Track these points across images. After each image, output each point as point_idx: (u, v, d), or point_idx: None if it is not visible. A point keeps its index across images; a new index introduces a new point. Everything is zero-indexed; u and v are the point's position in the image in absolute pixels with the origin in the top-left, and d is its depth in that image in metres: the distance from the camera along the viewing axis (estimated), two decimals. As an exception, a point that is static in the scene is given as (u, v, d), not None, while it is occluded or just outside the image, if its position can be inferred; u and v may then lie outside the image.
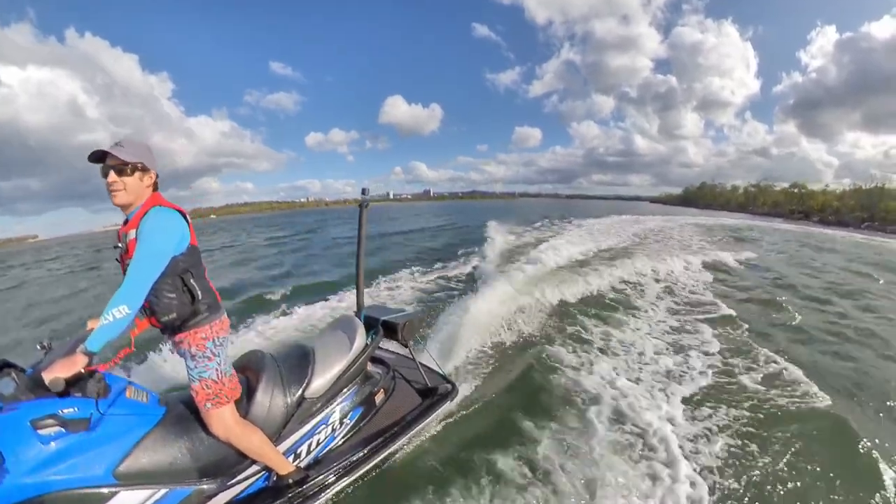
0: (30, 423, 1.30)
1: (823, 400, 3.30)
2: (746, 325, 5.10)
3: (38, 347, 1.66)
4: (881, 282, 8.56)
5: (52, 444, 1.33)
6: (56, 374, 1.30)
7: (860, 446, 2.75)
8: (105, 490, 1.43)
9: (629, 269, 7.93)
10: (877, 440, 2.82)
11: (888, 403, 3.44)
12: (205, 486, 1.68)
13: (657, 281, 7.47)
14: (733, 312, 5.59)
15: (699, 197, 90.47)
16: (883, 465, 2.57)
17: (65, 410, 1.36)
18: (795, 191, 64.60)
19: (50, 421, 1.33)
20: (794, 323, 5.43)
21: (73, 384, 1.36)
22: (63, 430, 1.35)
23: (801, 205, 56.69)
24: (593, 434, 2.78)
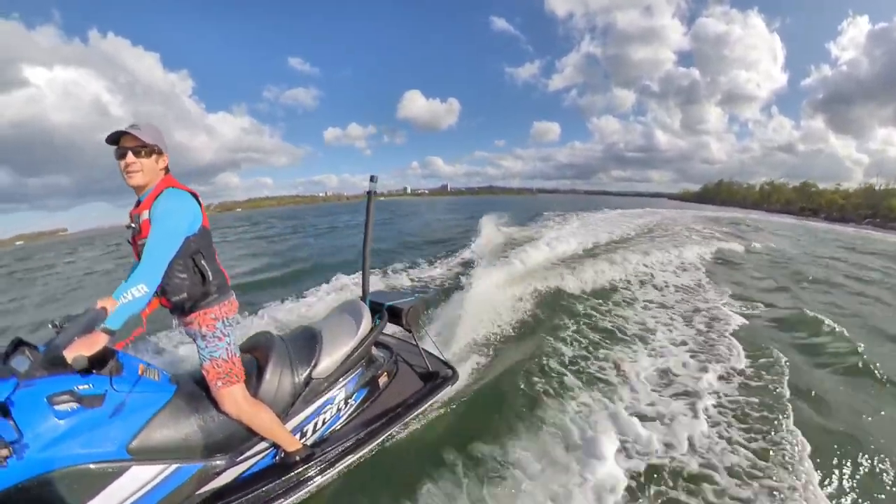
0: (46, 398, 1.33)
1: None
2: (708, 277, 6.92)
3: (50, 326, 1.63)
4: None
5: (69, 419, 1.36)
6: (79, 350, 1.32)
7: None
8: (118, 464, 1.48)
9: (634, 259, 7.77)
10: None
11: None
12: (214, 462, 1.73)
13: (657, 270, 7.40)
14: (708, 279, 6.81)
15: (716, 194, 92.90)
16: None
17: (80, 387, 1.39)
18: (813, 189, 67.26)
19: (66, 397, 1.36)
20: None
21: (90, 363, 1.39)
22: (79, 405, 1.38)
23: (810, 202, 59.78)
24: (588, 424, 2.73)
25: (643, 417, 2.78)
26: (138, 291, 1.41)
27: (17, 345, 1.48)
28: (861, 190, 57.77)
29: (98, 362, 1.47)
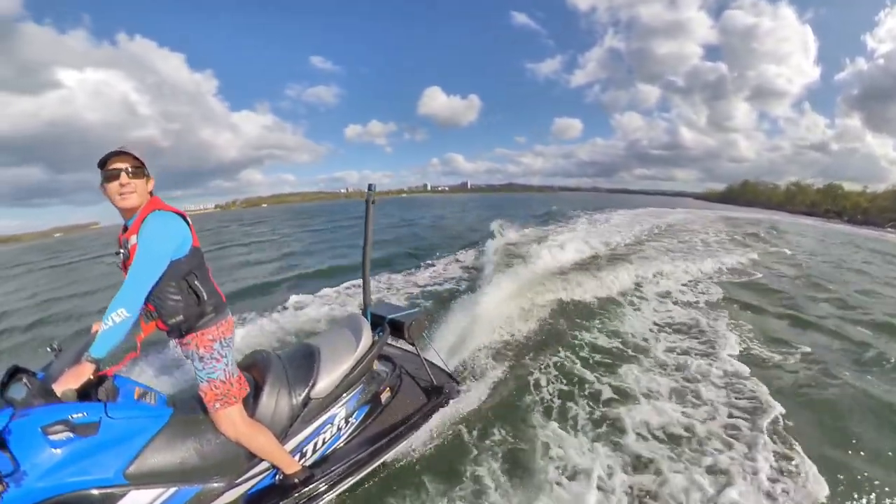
0: (41, 429, 1.34)
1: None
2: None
3: (49, 349, 1.68)
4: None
5: (63, 448, 1.37)
6: (67, 385, 1.34)
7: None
8: (116, 490, 1.48)
9: (649, 266, 7.43)
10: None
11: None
12: (213, 485, 1.72)
13: (670, 279, 7.00)
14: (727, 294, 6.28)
15: (741, 194, 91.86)
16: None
17: (74, 416, 1.39)
18: (839, 191, 67.26)
19: (60, 427, 1.36)
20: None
21: (83, 390, 1.41)
22: (73, 435, 1.39)
23: (834, 204, 60.07)
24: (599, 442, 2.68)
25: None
26: (118, 317, 1.40)
27: (14, 372, 1.49)
28: (889, 192, 57.80)
29: (94, 387, 1.49)
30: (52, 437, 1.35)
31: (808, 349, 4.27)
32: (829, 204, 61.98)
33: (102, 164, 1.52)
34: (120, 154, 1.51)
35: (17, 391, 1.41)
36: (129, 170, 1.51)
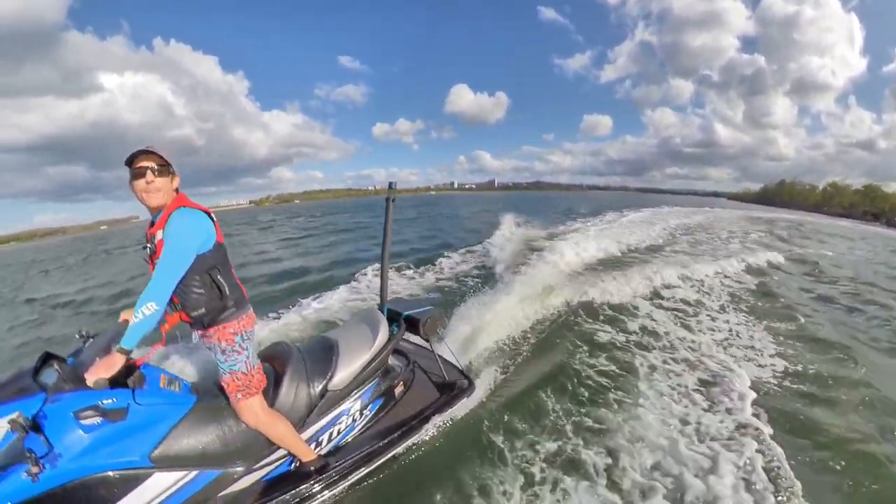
0: (73, 413, 1.42)
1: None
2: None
3: (78, 336, 1.78)
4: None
5: (94, 432, 1.46)
6: (99, 374, 1.42)
7: None
8: (142, 472, 1.57)
9: (672, 269, 7.08)
10: None
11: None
12: (233, 469, 1.80)
13: (698, 282, 6.76)
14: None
15: (777, 195, 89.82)
16: None
17: (104, 402, 1.48)
18: (878, 192, 65.82)
19: (91, 412, 1.44)
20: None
21: (112, 377, 1.48)
22: (103, 419, 1.47)
23: (873, 206, 59.16)
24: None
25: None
26: (148, 310, 1.46)
27: (47, 358, 1.60)
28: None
29: (122, 375, 1.55)
30: (83, 422, 1.44)
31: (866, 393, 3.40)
32: (867, 205, 61.00)
33: (129, 162, 1.57)
34: (146, 153, 1.56)
35: (49, 376, 1.51)
36: (155, 168, 1.56)
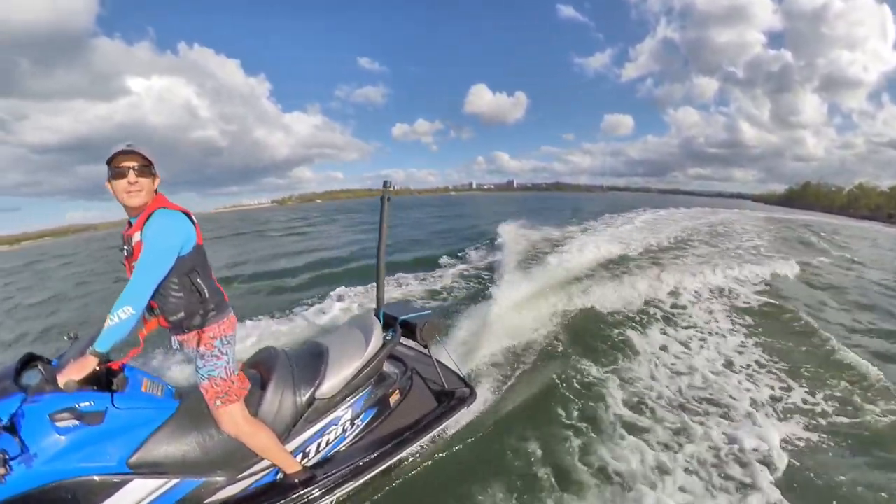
0: (49, 416, 1.41)
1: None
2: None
3: (66, 338, 1.75)
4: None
5: (69, 435, 1.43)
6: (69, 376, 1.39)
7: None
8: (118, 478, 1.53)
9: (683, 275, 6.69)
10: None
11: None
12: (214, 479, 1.75)
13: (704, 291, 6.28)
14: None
15: (801, 196, 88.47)
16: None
17: (81, 404, 1.45)
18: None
19: (66, 414, 1.43)
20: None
21: (92, 380, 1.48)
22: (80, 422, 1.45)
23: (897, 208, 58.68)
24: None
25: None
26: (124, 313, 1.43)
27: (29, 360, 1.60)
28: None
29: (104, 378, 1.57)
30: (58, 424, 1.42)
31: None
32: (892, 207, 60.75)
33: (110, 160, 1.50)
34: (128, 152, 1.50)
35: (31, 377, 1.50)
36: (136, 168, 1.51)
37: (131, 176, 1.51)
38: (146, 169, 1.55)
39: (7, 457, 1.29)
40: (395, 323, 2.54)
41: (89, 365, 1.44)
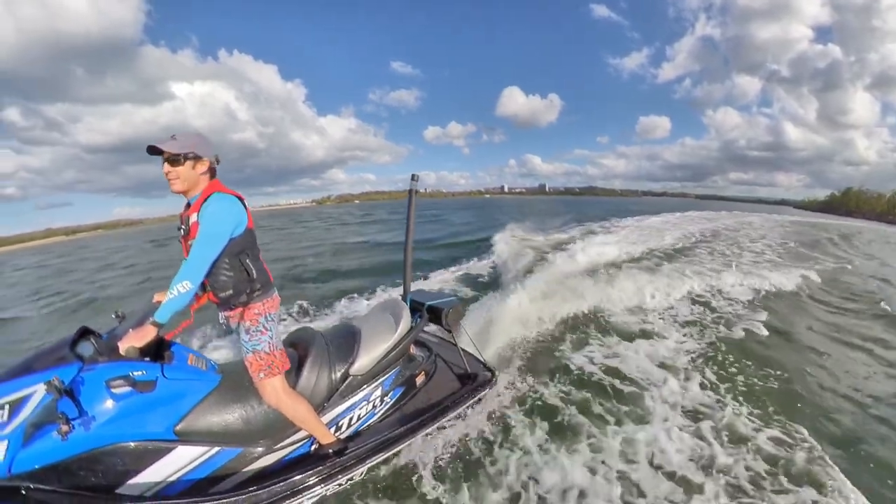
0: (105, 382, 1.49)
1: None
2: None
3: (113, 316, 1.86)
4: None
5: (123, 401, 1.51)
6: (130, 343, 1.48)
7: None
8: (165, 444, 1.61)
9: (697, 280, 6.28)
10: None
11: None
12: (253, 448, 1.83)
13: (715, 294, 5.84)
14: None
15: (843, 203, 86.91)
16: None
17: (135, 373, 1.52)
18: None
19: (121, 381, 1.50)
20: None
21: (144, 351, 1.55)
22: (132, 389, 1.52)
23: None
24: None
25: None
26: (183, 288, 1.53)
27: (83, 333, 1.66)
28: None
29: (153, 351, 1.66)
30: (114, 390, 1.50)
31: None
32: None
33: (152, 153, 1.63)
34: (152, 148, 1.61)
35: (85, 349, 1.57)
36: (168, 160, 1.61)
37: (165, 167, 1.62)
38: (179, 158, 1.61)
39: (68, 416, 1.38)
40: (422, 308, 2.67)
41: (149, 334, 1.52)
